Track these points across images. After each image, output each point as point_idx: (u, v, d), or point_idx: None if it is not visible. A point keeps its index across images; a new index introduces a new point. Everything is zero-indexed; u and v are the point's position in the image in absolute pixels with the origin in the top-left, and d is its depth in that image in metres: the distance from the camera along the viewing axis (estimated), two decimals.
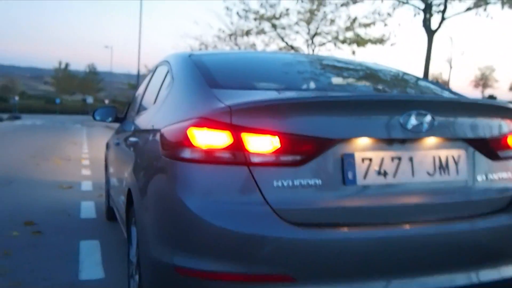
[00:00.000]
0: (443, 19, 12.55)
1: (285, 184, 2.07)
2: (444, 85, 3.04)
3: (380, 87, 3.34)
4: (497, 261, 2.38)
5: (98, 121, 5.06)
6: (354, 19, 16.44)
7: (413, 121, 2.18)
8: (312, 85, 3.01)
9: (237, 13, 17.80)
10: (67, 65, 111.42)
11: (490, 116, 2.49)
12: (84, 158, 13.12)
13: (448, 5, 12.42)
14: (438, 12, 12.53)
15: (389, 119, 2.19)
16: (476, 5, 12.00)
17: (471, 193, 2.38)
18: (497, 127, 2.48)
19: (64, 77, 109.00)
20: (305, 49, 18.54)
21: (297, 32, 18.30)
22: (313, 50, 18.31)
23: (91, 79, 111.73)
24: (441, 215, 2.30)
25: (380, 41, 16.96)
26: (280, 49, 18.85)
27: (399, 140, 2.23)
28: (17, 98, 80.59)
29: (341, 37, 17.71)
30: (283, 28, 18.21)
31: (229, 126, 2.08)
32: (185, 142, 2.16)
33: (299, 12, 17.39)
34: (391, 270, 2.17)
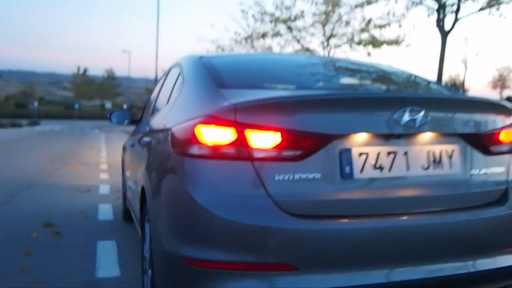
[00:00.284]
0: (456, 19, 12.55)
1: (286, 178, 2.17)
2: (450, 86, 3.10)
3: (378, 85, 3.45)
4: (489, 251, 2.48)
5: (115, 123, 5.23)
6: (369, 21, 16.45)
7: (406, 117, 2.27)
8: (314, 84, 3.12)
9: (253, 15, 17.95)
10: (85, 70, 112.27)
11: (483, 113, 2.58)
12: (102, 162, 13.32)
13: (462, 5, 12.43)
14: (451, 12, 12.54)
15: (384, 116, 2.28)
16: (489, 4, 12.01)
17: (465, 186, 2.47)
18: (489, 123, 2.57)
19: (83, 83, 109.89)
20: (320, 51, 18.57)
21: (312, 34, 18.34)
22: (328, 52, 18.33)
23: (109, 84, 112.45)
24: (436, 207, 2.39)
25: (395, 42, 16.94)
26: (296, 51, 18.90)
27: (394, 135, 2.32)
28: (36, 104, 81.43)
29: (356, 39, 17.70)
30: (299, 30, 18.27)
31: (234, 123, 2.19)
32: (193, 139, 2.27)
33: (314, 14, 17.44)
34: (389, 259, 2.26)
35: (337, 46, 18.17)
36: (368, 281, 2.22)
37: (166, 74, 4.26)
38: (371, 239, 2.22)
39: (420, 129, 2.34)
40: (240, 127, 2.18)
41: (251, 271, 2.16)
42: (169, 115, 3.02)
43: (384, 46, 17.16)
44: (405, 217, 2.32)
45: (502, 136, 2.61)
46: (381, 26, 16.35)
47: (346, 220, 2.23)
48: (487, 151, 2.55)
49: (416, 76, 3.53)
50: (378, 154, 2.31)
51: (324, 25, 17.53)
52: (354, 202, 2.28)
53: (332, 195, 2.23)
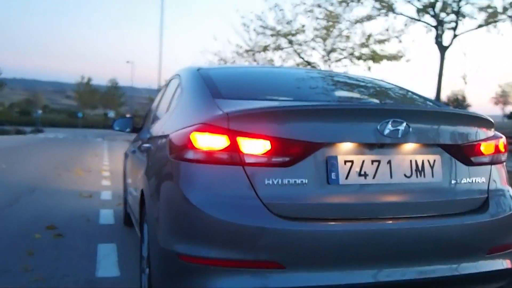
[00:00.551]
0: (454, 36, 12.75)
1: (275, 182, 2.35)
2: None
3: (365, 98, 3.65)
4: (469, 256, 2.63)
5: (117, 131, 5.43)
6: (369, 36, 16.63)
7: (389, 128, 2.45)
8: (304, 95, 3.31)
9: (254, 29, 18.17)
10: (89, 79, 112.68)
11: (464, 125, 2.76)
12: (105, 169, 13.50)
13: (460, 22, 12.64)
14: (449, 29, 12.76)
15: (369, 126, 2.46)
16: (487, 22, 12.21)
17: (445, 194, 2.64)
18: (470, 135, 2.74)
19: (86, 92, 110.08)
20: (321, 65, 18.73)
21: (313, 48, 18.51)
22: (329, 66, 18.50)
23: (113, 94, 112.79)
24: (417, 213, 2.55)
25: (395, 57, 17.07)
26: (298, 65, 19.05)
27: (378, 145, 2.50)
28: (40, 112, 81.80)
29: (356, 53, 17.84)
30: (300, 44, 18.42)
31: (227, 131, 2.37)
32: (189, 144, 2.46)
33: (315, 29, 17.62)
34: (372, 261, 2.42)
35: (338, 60, 18.32)
36: (352, 280, 2.38)
37: (167, 84, 4.47)
38: (355, 241, 2.40)
39: (403, 140, 2.51)
40: (233, 134, 2.37)
41: (241, 268, 2.32)
42: (167, 123, 3.22)
43: (384, 61, 17.29)
44: (388, 221, 2.48)
45: (483, 148, 2.77)
46: (381, 41, 16.52)
47: (331, 223, 2.39)
48: (468, 162, 2.71)
49: (405, 90, 3.72)
50: (363, 162, 2.48)
51: (324, 39, 17.70)
52: (339, 206, 2.45)
53: (318, 199, 2.41)
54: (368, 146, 2.51)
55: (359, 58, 17.76)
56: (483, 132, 2.81)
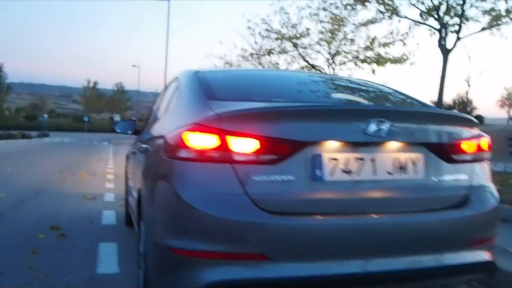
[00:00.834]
0: (458, 38, 12.76)
1: (263, 179, 2.45)
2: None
3: (353, 99, 3.77)
4: (449, 249, 2.74)
5: (120, 133, 5.53)
6: (373, 39, 16.66)
7: (373, 127, 2.55)
8: (295, 97, 3.41)
9: (259, 33, 18.22)
10: (95, 83, 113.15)
11: (446, 124, 2.87)
12: (109, 173, 13.58)
13: (463, 25, 12.65)
14: (452, 32, 12.76)
15: (353, 126, 2.57)
16: (490, 25, 12.23)
17: (427, 191, 2.74)
18: (452, 134, 2.84)
19: (93, 96, 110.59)
20: (326, 68, 18.76)
21: (318, 52, 18.53)
22: (333, 69, 18.54)
23: (119, 98, 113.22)
24: (400, 208, 2.67)
25: (399, 60, 17.07)
26: (302, 68, 19.10)
27: (362, 143, 2.60)
28: (46, 116, 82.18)
29: (361, 57, 17.86)
30: (305, 47, 18.45)
31: (217, 130, 2.47)
32: (181, 144, 2.55)
33: (320, 32, 17.65)
34: (354, 253, 2.53)
35: (342, 63, 18.35)
36: (335, 271, 2.49)
37: (167, 87, 4.58)
38: (339, 235, 2.50)
39: (387, 138, 2.61)
40: (223, 134, 2.46)
41: (229, 260, 2.42)
42: (164, 124, 3.33)
43: (389, 64, 17.30)
44: (371, 216, 2.59)
45: (465, 146, 2.88)
46: (385, 45, 16.52)
47: (316, 217, 2.50)
48: (450, 160, 2.82)
49: (393, 91, 3.81)
50: (347, 159, 2.58)
51: (329, 43, 17.73)
52: (324, 201, 2.55)
53: (303, 195, 2.51)
54: (353, 145, 2.60)
55: (363, 61, 17.77)
56: (466, 131, 2.91)
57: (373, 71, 17.76)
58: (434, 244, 2.69)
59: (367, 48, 17.40)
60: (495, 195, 2.99)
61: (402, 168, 2.68)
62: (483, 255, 2.87)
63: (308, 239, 2.46)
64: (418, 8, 13.02)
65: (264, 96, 3.28)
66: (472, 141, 2.92)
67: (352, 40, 17.62)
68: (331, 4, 16.26)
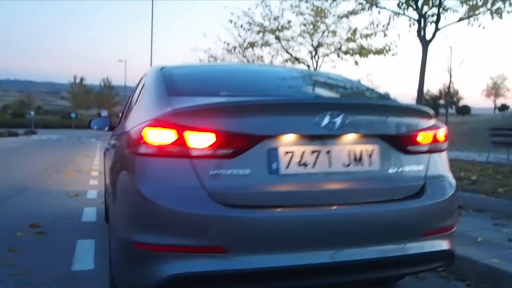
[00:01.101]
0: (437, 29, 12.87)
1: (220, 173, 2.52)
2: (380, 93, 3.42)
3: (311, 92, 3.84)
4: (406, 239, 2.81)
5: (96, 130, 5.59)
6: (355, 30, 16.76)
7: (326, 120, 2.62)
8: (256, 91, 3.46)
9: (241, 26, 18.26)
10: (82, 79, 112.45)
11: (402, 116, 2.93)
12: (94, 169, 13.61)
13: (442, 16, 12.76)
14: (431, 22, 12.87)
15: (307, 119, 2.63)
16: (468, 15, 12.35)
17: (383, 181, 2.81)
18: (408, 126, 2.91)
19: (80, 92, 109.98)
20: (309, 61, 18.82)
21: (300, 44, 18.60)
22: (317, 62, 18.61)
23: (107, 93, 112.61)
24: (356, 199, 2.73)
25: (382, 51, 17.17)
26: (286, 60, 19.15)
27: (317, 136, 2.67)
28: (33, 113, 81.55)
29: (344, 48, 17.94)
30: (287, 40, 18.51)
31: (175, 126, 2.55)
32: (141, 139, 2.63)
33: (302, 24, 17.71)
34: (312, 244, 2.60)
35: (325, 55, 18.42)
36: (291, 263, 2.55)
37: (138, 83, 4.65)
38: (295, 226, 2.57)
39: (341, 131, 2.69)
40: (180, 129, 2.54)
41: (188, 253, 2.50)
42: (130, 120, 3.41)
43: (371, 56, 17.38)
44: (327, 208, 2.66)
45: (420, 137, 2.94)
46: (367, 36, 16.62)
47: (272, 210, 2.57)
48: (405, 151, 2.89)
49: (355, 84, 3.91)
50: (303, 152, 2.65)
51: (311, 35, 17.80)
52: (280, 194, 2.62)
53: (260, 188, 2.58)
54: (308, 138, 2.67)
55: (346, 52, 17.86)
56: (421, 123, 2.97)
57: (356, 62, 17.89)
58: (391, 234, 2.76)
59: (349, 39, 17.50)
60: (452, 184, 3.06)
61: (358, 160, 2.75)
62: (442, 244, 2.93)
63: (265, 231, 2.53)
64: None
65: (227, 91, 3.33)
66: (428, 132, 2.98)
67: (334, 32, 17.70)
68: None
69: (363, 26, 16.62)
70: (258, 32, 18.09)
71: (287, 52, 18.82)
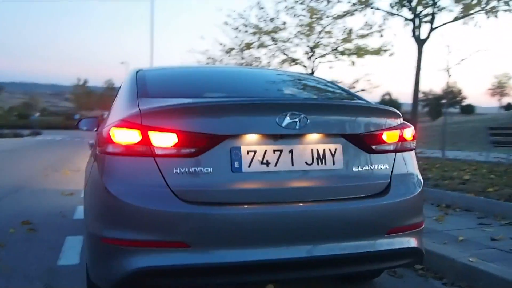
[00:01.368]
0: (432, 28, 12.93)
1: (183, 171, 2.65)
2: (353, 92, 3.49)
3: (275, 92, 3.90)
4: (370, 236, 2.87)
5: (85, 130, 5.68)
6: (350, 31, 16.80)
7: (287, 120, 2.72)
8: (225, 91, 3.57)
9: (237, 28, 18.34)
10: (85, 81, 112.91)
11: (366, 116, 3.02)
12: None
13: (436, 15, 12.80)
14: (426, 22, 12.92)
15: (269, 119, 2.73)
16: (463, 14, 12.36)
17: (347, 179, 2.89)
18: (372, 125, 3.00)
19: (83, 94, 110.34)
20: (305, 61, 18.82)
21: (297, 45, 18.62)
22: (313, 62, 18.63)
23: (109, 95, 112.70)
24: (319, 197, 2.81)
25: (378, 51, 17.18)
26: (283, 61, 19.16)
27: (279, 135, 2.76)
28: (37, 115, 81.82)
29: (340, 49, 17.96)
30: (284, 41, 18.54)
31: (140, 126, 2.68)
32: (109, 139, 2.76)
33: (298, 25, 17.73)
34: (275, 240, 2.69)
35: (322, 56, 18.43)
36: (253, 258, 2.65)
37: (120, 85, 4.77)
38: (257, 223, 2.68)
39: (303, 130, 2.79)
40: (144, 129, 2.67)
41: (152, 248, 2.62)
42: (106, 121, 3.52)
43: (368, 56, 17.38)
44: (290, 205, 2.75)
45: (385, 137, 3.02)
46: (362, 36, 16.65)
47: (234, 207, 2.67)
48: (370, 150, 2.97)
49: (328, 84, 4.00)
50: (265, 151, 2.76)
51: (307, 36, 17.81)
52: (242, 191, 2.73)
53: (222, 186, 2.69)
54: (270, 137, 2.78)
55: (342, 53, 17.87)
56: (386, 122, 3.05)
57: (353, 63, 17.91)
58: (355, 231, 2.83)
59: (345, 40, 17.51)
60: (419, 183, 3.13)
61: (321, 158, 2.84)
62: (410, 241, 2.99)
63: (226, 227, 2.62)
64: None
65: (196, 92, 3.44)
66: (393, 131, 3.05)
67: (329, 33, 17.71)
68: None
69: (359, 26, 16.65)
70: (254, 34, 18.14)
71: (283, 53, 18.85)
